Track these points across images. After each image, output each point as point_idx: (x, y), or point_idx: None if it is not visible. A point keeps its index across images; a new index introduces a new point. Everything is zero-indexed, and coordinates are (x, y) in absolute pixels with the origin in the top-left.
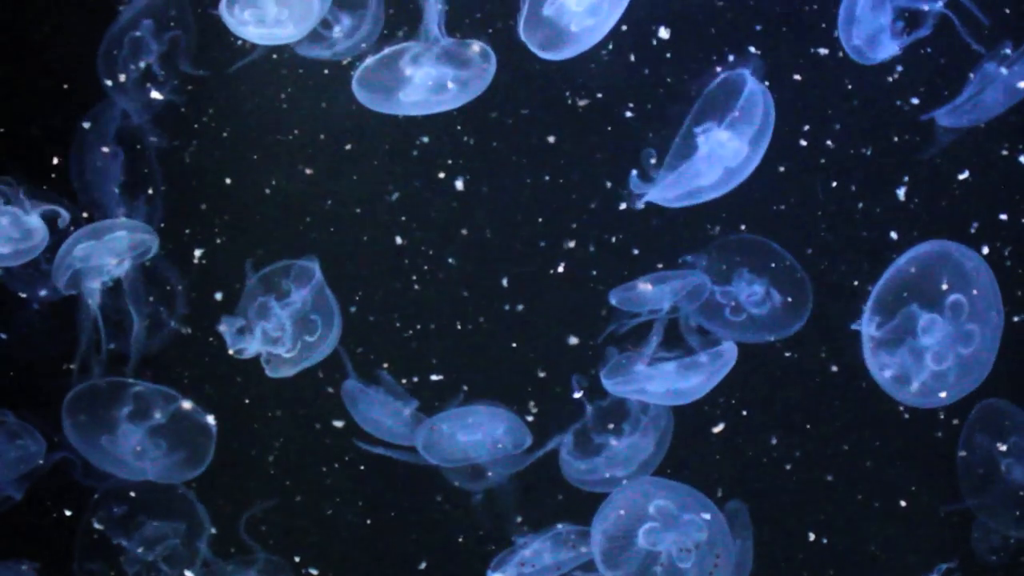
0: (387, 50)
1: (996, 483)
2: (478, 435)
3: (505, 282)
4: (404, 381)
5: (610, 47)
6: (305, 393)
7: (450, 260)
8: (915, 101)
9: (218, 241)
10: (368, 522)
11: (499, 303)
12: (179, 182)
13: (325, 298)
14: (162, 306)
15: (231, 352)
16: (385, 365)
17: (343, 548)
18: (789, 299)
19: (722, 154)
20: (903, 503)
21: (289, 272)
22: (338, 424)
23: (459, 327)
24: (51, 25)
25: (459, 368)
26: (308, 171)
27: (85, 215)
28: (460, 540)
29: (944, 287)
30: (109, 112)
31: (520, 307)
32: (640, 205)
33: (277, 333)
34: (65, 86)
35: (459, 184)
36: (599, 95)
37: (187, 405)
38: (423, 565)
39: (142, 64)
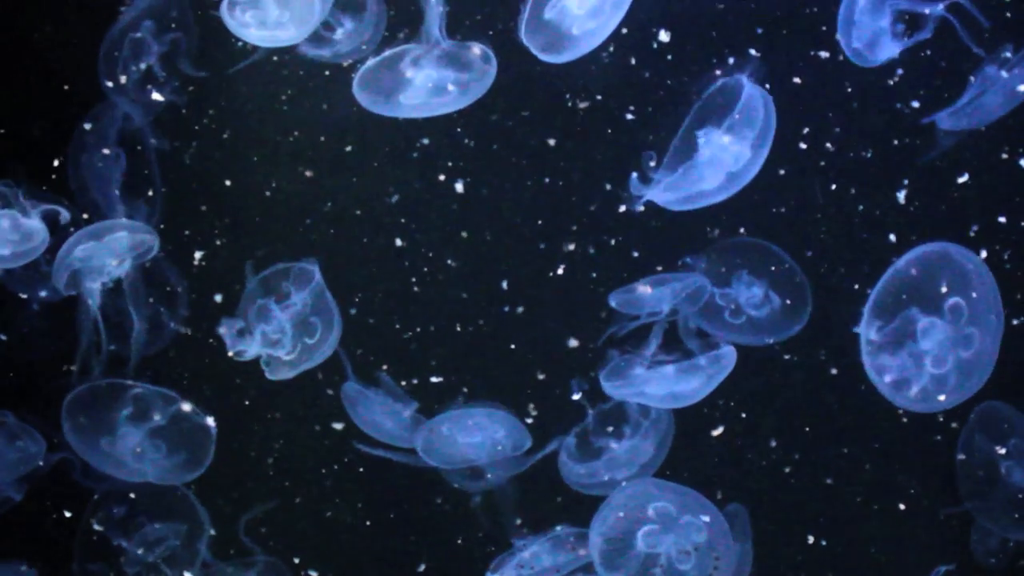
0: (388, 52)
1: (995, 486)
2: (478, 437)
3: (505, 284)
4: (404, 383)
5: (611, 50)
6: (305, 395)
7: (450, 262)
8: (915, 104)
9: (218, 243)
10: (367, 524)
11: (499, 305)
12: (179, 183)
13: (325, 300)
14: (162, 307)
15: (231, 354)
16: (385, 367)
17: (342, 550)
18: (788, 302)
19: (724, 158)
20: (902, 506)
21: (289, 274)
22: (338, 426)
23: (459, 329)
24: (52, 26)
25: (459, 370)
26: (308, 173)
27: (86, 216)
28: (459, 542)
29: (944, 290)
30: (110, 113)
31: (520, 309)
32: (639, 206)
33: (277, 335)
34: (66, 87)
35: (459, 186)
36: (599, 97)
37: (187, 407)
38: (422, 567)
39: (143, 65)
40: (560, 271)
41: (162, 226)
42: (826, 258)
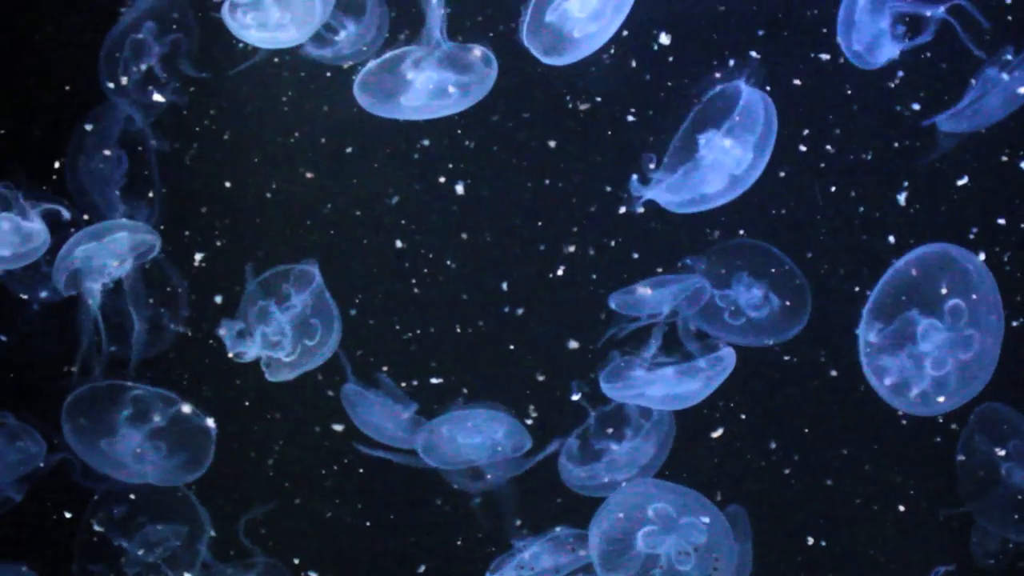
0: (389, 54)
1: (995, 487)
2: (478, 438)
3: (505, 286)
4: (404, 384)
5: (611, 52)
6: (305, 396)
7: (450, 263)
8: (916, 106)
9: (218, 244)
10: (367, 524)
11: (499, 306)
12: (179, 184)
13: (325, 302)
14: (162, 308)
15: (231, 355)
16: (385, 368)
17: (342, 551)
18: (788, 303)
19: (726, 161)
20: (902, 507)
21: (289, 276)
22: (338, 427)
23: (459, 330)
24: (53, 26)
25: (459, 371)
26: (309, 174)
27: (86, 217)
28: (459, 543)
29: (944, 291)
30: (111, 114)
31: (520, 311)
32: (639, 206)
33: (277, 337)
34: (66, 88)
35: (459, 188)
36: (600, 99)
37: (187, 408)
38: (422, 568)
39: (144, 66)
40: (560, 272)
41: (162, 227)
42: (826, 260)
